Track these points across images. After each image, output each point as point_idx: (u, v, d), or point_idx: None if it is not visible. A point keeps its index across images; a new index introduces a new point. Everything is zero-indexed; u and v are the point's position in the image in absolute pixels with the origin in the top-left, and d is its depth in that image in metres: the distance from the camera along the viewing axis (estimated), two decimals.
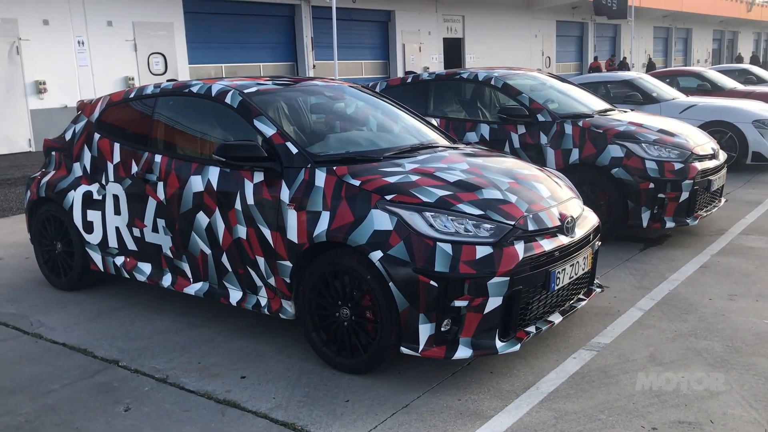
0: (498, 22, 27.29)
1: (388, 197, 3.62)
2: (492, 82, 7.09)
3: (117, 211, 4.84)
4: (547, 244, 3.68)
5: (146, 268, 4.76)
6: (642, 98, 10.27)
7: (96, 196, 4.98)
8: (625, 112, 7.29)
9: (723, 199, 6.85)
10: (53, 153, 5.50)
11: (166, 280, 4.63)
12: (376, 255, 3.49)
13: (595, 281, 4.43)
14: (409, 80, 7.87)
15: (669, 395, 3.42)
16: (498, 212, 3.64)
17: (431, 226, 3.49)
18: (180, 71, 16.90)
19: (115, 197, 4.84)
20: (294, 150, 4.02)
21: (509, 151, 6.69)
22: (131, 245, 4.81)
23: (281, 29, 19.92)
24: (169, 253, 4.56)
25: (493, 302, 3.44)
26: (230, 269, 4.23)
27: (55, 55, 14.60)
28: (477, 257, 3.42)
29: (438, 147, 4.63)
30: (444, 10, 24.90)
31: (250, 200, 4.05)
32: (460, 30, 26.05)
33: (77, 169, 5.19)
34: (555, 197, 4.06)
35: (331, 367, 3.79)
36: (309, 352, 3.94)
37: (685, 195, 5.96)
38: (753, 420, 3.18)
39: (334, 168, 3.88)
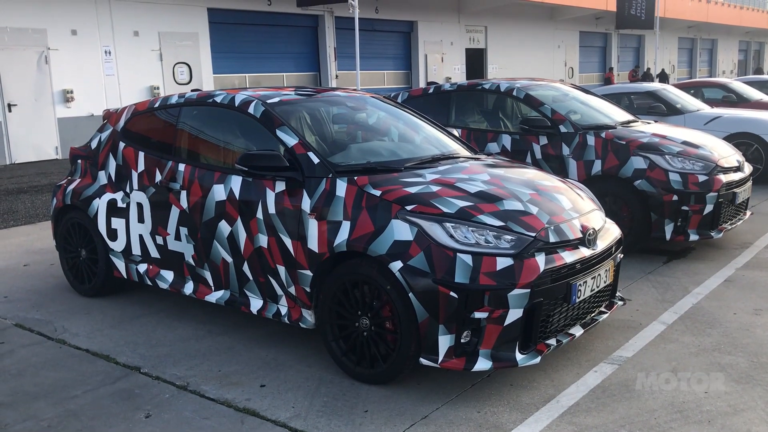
0: (521, 33, 27.25)
1: (409, 207, 3.62)
2: (514, 93, 7.08)
3: (141, 219, 4.90)
4: (568, 257, 3.65)
5: (168, 275, 4.81)
6: (666, 109, 10.18)
7: (120, 204, 5.04)
8: (649, 123, 7.23)
9: (748, 212, 6.76)
10: (79, 161, 5.58)
11: (188, 288, 4.67)
12: (396, 265, 3.49)
13: (617, 294, 4.39)
14: (431, 91, 7.88)
15: (692, 411, 3.37)
16: (519, 224, 3.63)
17: (452, 237, 3.49)
18: (204, 81, 17.10)
19: (139, 205, 4.90)
20: (315, 160, 4.04)
21: (531, 162, 6.66)
22: (154, 253, 4.86)
23: (305, 39, 20.07)
24: (192, 261, 4.60)
25: (514, 314, 3.42)
26: (251, 278, 4.25)
27: (83, 64, 14.86)
28: (497, 269, 3.41)
29: (459, 158, 4.63)
30: (467, 21, 24.93)
31: (272, 209, 4.07)
32: (483, 41, 26.05)
33: (102, 177, 5.26)
34: (577, 209, 4.04)
35: (351, 377, 3.79)
36: (328, 361, 3.95)
37: (709, 208, 5.89)
38: None
39: (355, 178, 3.90)
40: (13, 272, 6.21)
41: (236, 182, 4.29)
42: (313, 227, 3.88)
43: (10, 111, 13.87)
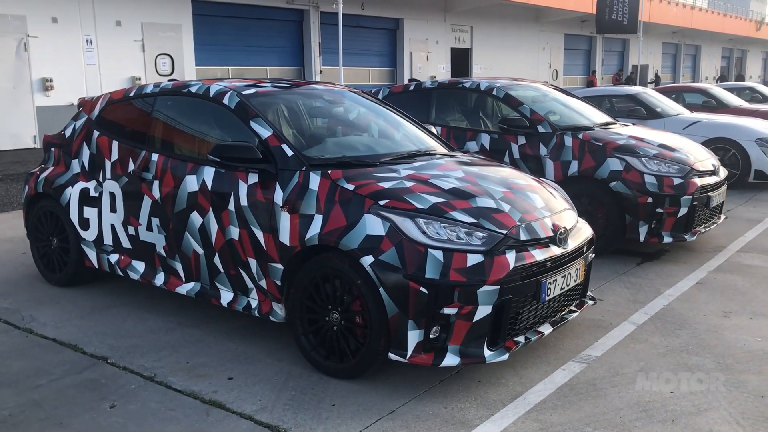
0: (506, 34, 27.34)
1: (382, 202, 3.61)
2: (494, 92, 7.09)
3: (113, 209, 4.85)
4: (539, 255, 3.66)
5: (140, 266, 4.76)
6: (646, 113, 10.26)
7: (93, 193, 4.98)
8: (626, 125, 7.28)
9: (723, 216, 6.83)
10: (52, 149, 5.52)
11: (159, 279, 4.63)
12: (368, 260, 3.48)
13: (588, 293, 4.41)
14: (412, 88, 7.88)
15: (657, 410, 3.40)
16: (491, 221, 3.63)
17: (423, 232, 3.48)
18: (187, 73, 16.95)
19: (112, 195, 4.85)
20: (289, 152, 4.02)
21: (509, 161, 6.68)
22: (126, 243, 4.81)
23: (289, 34, 19.98)
24: (163, 252, 4.56)
25: (483, 311, 3.42)
26: (222, 270, 4.22)
27: (63, 53, 14.66)
28: (468, 265, 3.41)
29: (435, 154, 4.63)
30: (453, 20, 24.96)
31: (244, 201, 4.04)
32: (468, 40, 26.10)
33: (75, 166, 5.20)
34: (549, 208, 4.05)
35: (319, 372, 3.78)
36: (298, 355, 3.93)
37: (683, 210, 5.94)
38: None
39: (329, 172, 3.88)
40: None
41: (209, 173, 4.26)
42: (285, 220, 3.85)
43: None
